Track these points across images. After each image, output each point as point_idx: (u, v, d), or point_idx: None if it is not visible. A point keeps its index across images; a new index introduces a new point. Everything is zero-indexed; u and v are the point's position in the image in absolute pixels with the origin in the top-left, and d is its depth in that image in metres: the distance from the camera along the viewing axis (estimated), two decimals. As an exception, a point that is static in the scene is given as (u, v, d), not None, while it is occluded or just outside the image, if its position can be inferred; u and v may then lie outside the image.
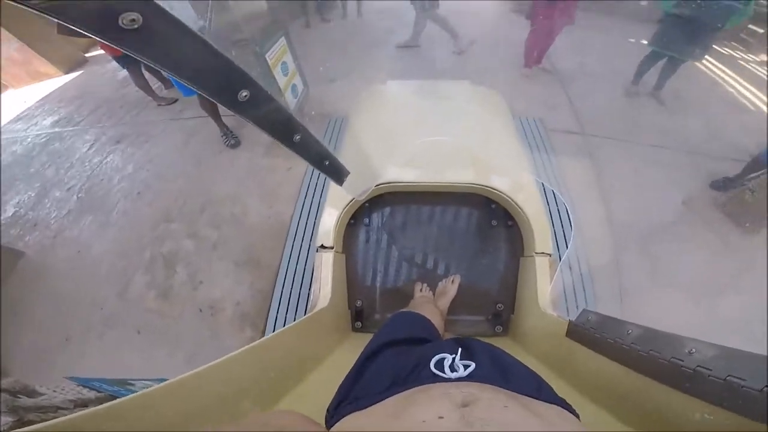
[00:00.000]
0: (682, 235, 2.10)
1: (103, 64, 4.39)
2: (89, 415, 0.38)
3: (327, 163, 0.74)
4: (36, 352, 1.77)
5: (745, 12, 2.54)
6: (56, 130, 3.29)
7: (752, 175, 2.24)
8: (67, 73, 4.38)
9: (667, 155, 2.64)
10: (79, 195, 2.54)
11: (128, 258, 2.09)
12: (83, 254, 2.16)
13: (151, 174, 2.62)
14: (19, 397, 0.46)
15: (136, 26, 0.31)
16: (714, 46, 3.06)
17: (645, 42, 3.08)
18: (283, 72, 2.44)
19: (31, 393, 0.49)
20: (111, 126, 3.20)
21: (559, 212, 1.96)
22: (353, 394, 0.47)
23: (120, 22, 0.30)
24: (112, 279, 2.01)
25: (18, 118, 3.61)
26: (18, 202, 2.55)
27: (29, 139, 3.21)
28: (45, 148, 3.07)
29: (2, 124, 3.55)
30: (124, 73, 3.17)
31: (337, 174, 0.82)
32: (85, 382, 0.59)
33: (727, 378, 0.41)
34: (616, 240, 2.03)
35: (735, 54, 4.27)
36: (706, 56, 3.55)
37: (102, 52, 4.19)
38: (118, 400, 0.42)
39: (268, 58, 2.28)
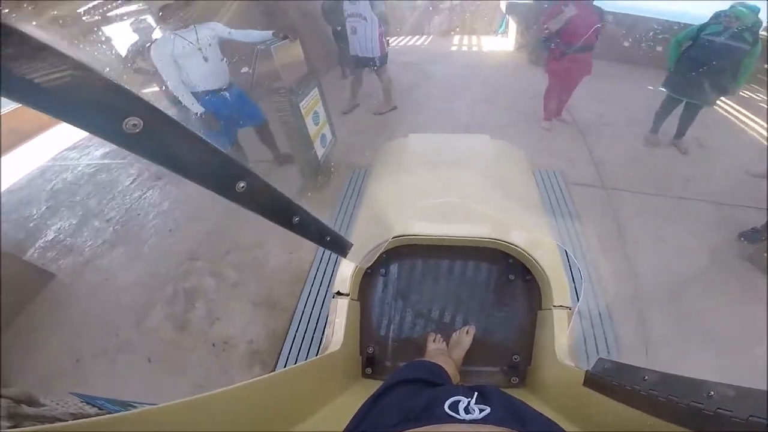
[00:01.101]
0: (709, 287, 2.01)
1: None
2: (88, 424, 0.39)
3: (328, 239, 0.76)
4: (44, 370, 1.81)
5: (754, 53, 2.51)
6: (105, 161, 3.59)
7: None
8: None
9: (690, 206, 2.57)
10: (116, 227, 2.70)
11: (151, 290, 2.16)
12: (110, 282, 2.25)
13: (184, 213, 2.76)
14: (21, 406, 0.47)
15: (137, 130, 0.32)
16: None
17: (662, 89, 3.09)
18: (314, 121, 2.59)
19: (34, 403, 0.49)
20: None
21: (579, 266, 1.93)
22: (362, 428, 0.46)
23: (124, 126, 0.31)
24: (132, 308, 2.07)
25: (74, 147, 3.96)
26: (59, 228, 2.73)
27: (80, 168, 3.51)
28: (92, 178, 3.34)
29: (59, 151, 3.91)
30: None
31: (340, 248, 0.85)
32: (89, 399, 0.60)
33: (750, 418, 0.40)
34: (639, 292, 1.97)
35: (755, 96, 4.23)
36: (725, 99, 3.51)
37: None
38: (119, 413, 0.42)
39: (302, 107, 2.46)
